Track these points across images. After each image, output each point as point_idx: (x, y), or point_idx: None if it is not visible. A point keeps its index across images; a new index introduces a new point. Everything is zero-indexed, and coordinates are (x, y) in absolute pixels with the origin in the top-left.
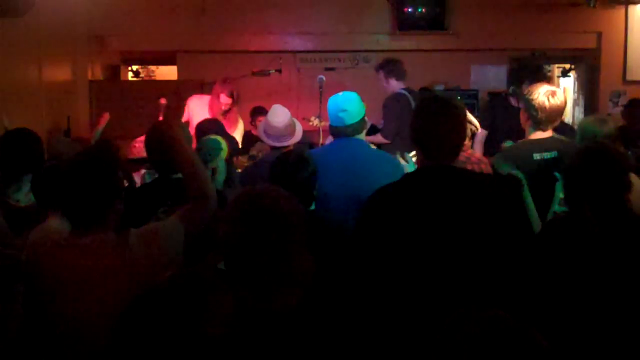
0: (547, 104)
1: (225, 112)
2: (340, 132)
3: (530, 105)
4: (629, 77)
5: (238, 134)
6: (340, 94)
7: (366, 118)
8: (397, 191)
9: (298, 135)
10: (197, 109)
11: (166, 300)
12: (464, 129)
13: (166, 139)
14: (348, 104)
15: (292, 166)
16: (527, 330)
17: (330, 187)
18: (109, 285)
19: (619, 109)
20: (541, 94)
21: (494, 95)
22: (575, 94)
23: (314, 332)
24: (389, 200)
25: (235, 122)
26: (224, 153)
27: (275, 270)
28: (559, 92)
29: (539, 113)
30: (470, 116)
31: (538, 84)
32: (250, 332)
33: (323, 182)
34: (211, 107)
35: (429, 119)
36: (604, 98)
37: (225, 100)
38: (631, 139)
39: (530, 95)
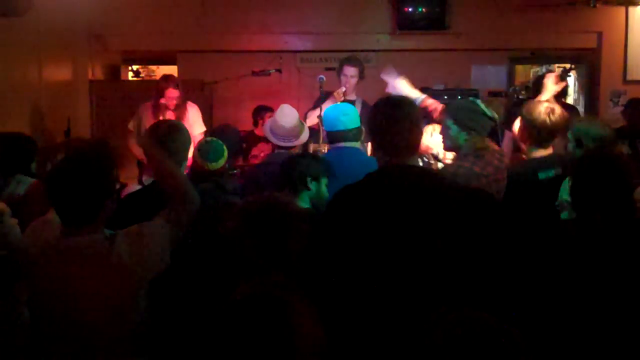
0: (548, 122)
1: (176, 108)
2: (342, 136)
3: (531, 124)
4: (629, 77)
5: (197, 122)
6: (339, 103)
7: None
8: (360, 190)
9: (305, 136)
10: (148, 115)
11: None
12: (420, 127)
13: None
14: (348, 110)
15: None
16: (503, 327)
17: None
18: (98, 284)
19: (619, 109)
20: (542, 113)
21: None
22: (576, 94)
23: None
24: (352, 199)
25: (186, 112)
26: (223, 160)
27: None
28: (557, 109)
29: (541, 131)
30: (485, 109)
31: (536, 102)
32: None
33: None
34: (155, 108)
35: (386, 120)
36: (604, 98)
37: (173, 94)
38: (631, 139)
39: (530, 114)
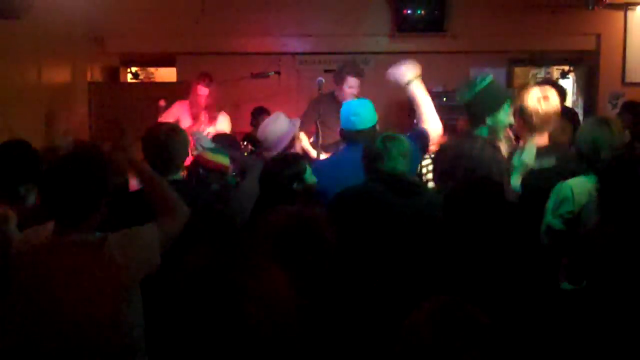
0: (539, 108)
1: (207, 107)
2: (351, 136)
3: (523, 112)
4: (628, 79)
5: (225, 127)
6: (356, 99)
7: (377, 127)
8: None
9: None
10: (181, 114)
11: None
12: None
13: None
14: (361, 109)
15: (277, 165)
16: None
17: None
18: (88, 284)
19: (618, 112)
20: (533, 100)
21: None
22: (575, 96)
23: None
24: (347, 203)
25: (215, 118)
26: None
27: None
28: (551, 95)
29: (533, 118)
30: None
31: (529, 88)
32: None
33: (334, 189)
34: (191, 106)
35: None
36: (603, 100)
37: (203, 91)
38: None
39: (522, 101)
